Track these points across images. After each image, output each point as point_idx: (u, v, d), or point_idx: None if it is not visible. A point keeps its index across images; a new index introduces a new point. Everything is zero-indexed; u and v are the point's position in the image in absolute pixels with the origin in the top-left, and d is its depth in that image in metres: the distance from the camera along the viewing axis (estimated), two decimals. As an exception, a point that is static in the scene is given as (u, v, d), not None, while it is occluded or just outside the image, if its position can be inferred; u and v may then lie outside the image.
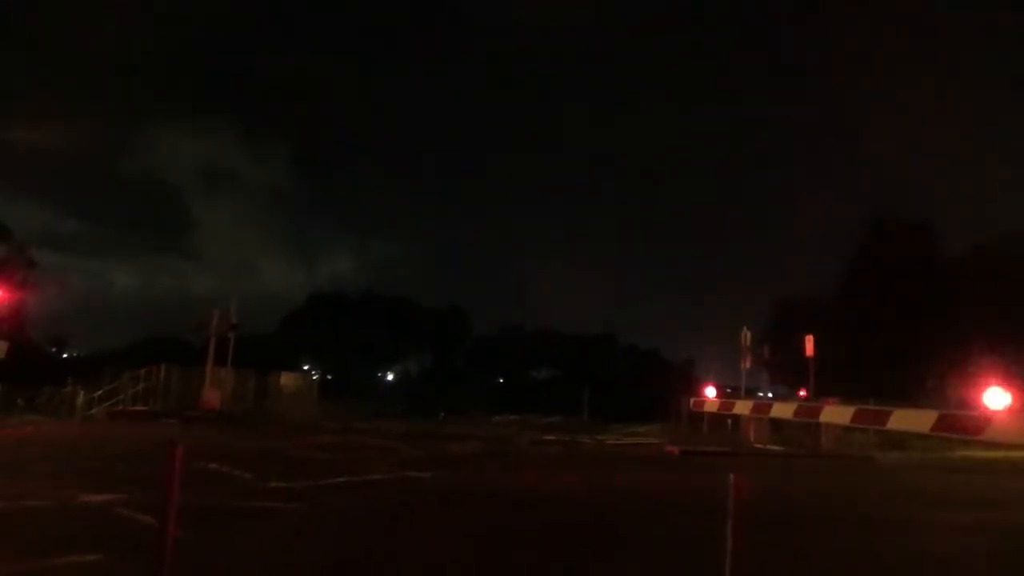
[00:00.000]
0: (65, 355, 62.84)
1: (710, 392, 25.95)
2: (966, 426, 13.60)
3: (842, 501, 9.96)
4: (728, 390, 28.33)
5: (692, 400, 25.92)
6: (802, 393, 20.33)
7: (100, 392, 24.18)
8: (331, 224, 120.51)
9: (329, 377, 58.55)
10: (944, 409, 15.74)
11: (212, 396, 24.14)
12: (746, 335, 24.02)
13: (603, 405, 31.69)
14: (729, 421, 23.95)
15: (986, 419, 13.16)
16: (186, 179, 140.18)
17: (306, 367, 58.17)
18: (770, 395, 33.08)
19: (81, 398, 23.19)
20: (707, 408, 24.47)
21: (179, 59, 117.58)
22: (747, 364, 24.26)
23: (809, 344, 21.32)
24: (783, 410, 20.67)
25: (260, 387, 26.74)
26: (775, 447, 18.68)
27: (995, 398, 14.10)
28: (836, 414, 17.69)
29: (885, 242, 39.27)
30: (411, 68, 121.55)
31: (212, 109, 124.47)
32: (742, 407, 22.22)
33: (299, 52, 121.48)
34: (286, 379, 28.46)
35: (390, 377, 69.28)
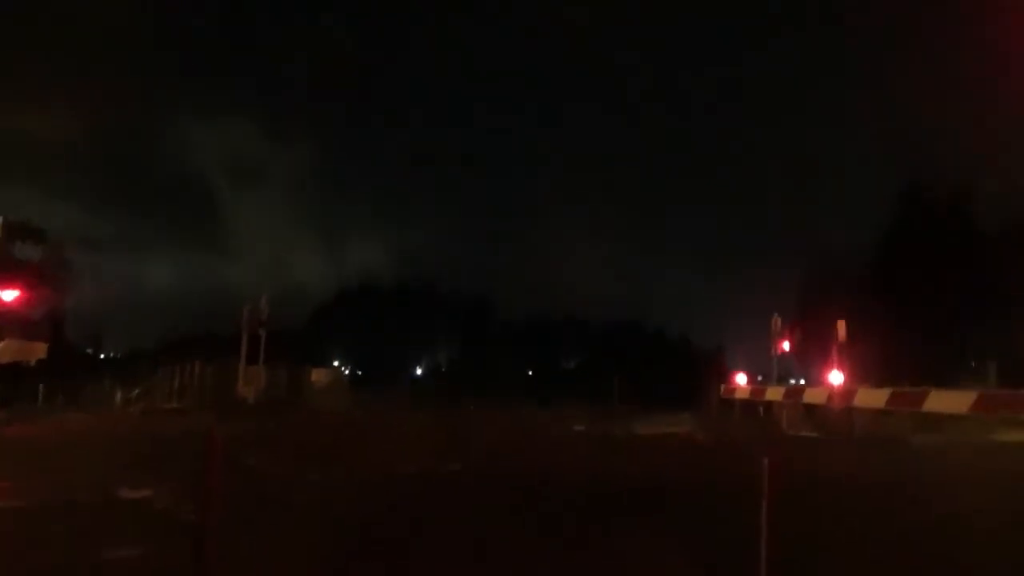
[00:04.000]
0: (102, 356, 64.25)
1: (741, 379, 25.69)
2: (1009, 404, 13.26)
3: (872, 485, 9.83)
4: (759, 378, 28.03)
5: (723, 387, 25.68)
6: (833, 381, 20.05)
7: (137, 390, 24.73)
8: (357, 216, 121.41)
9: (359, 373, 59.15)
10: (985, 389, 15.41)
11: (245, 391, 24.55)
12: (777, 321, 23.70)
13: (632, 393, 31.54)
14: (760, 408, 23.70)
15: (1029, 398, 12.83)
16: (215, 176, 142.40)
17: (336, 362, 58.84)
18: (802, 381, 32.69)
19: (119, 395, 23.74)
20: (738, 395, 24.23)
21: (204, 55, 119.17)
22: (778, 350, 23.95)
23: (841, 329, 20.96)
24: (815, 395, 20.39)
25: (292, 382, 27.11)
26: (808, 433, 18.46)
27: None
28: (870, 397, 17.38)
29: (921, 215, 38.04)
30: (435, 56, 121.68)
31: (238, 104, 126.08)
32: (774, 393, 21.96)
33: (324, 44, 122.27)
34: (317, 375, 28.83)
35: (419, 371, 69.79)
